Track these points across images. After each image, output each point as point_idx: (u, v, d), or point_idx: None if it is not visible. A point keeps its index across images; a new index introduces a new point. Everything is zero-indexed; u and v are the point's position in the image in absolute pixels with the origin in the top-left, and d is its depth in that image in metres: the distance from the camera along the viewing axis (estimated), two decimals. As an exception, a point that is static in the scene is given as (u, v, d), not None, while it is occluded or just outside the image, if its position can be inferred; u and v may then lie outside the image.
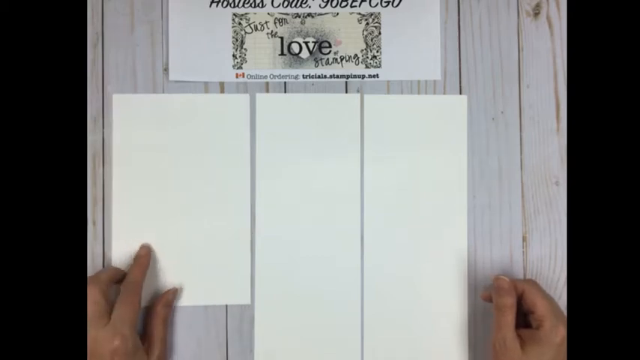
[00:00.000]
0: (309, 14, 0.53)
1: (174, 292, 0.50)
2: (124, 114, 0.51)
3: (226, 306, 0.51)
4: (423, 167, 0.52)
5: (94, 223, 0.51)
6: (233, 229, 0.51)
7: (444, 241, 0.51)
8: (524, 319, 0.47)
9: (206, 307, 0.51)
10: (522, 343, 0.44)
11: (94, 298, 0.44)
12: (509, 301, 0.45)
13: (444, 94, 0.52)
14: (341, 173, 0.51)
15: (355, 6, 0.52)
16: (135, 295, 0.46)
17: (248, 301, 0.51)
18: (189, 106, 0.52)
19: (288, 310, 0.51)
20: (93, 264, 0.51)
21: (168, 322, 0.49)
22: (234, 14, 0.52)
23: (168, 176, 0.51)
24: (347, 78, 0.52)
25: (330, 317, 0.51)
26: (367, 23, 0.53)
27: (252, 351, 0.50)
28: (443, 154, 0.52)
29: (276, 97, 0.52)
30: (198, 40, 0.52)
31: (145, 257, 0.49)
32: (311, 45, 0.53)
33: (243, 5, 0.52)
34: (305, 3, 0.53)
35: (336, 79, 0.52)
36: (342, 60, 0.53)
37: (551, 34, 0.53)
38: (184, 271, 0.51)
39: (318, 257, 0.51)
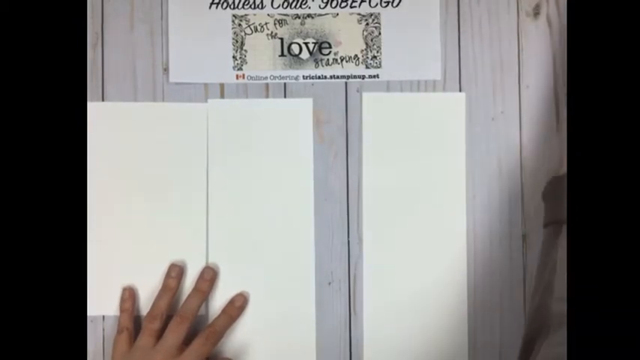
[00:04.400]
0: (308, 15, 0.53)
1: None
2: (98, 122, 0.51)
3: None
4: (422, 167, 0.52)
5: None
6: (190, 239, 0.51)
7: (444, 241, 0.51)
8: None
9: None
10: None
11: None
12: None
13: (444, 94, 0.52)
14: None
15: (355, 6, 0.53)
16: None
17: (202, 311, 0.49)
18: (152, 114, 0.52)
19: (249, 324, 0.50)
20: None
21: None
22: (233, 15, 0.53)
23: (135, 186, 0.51)
24: (347, 78, 0.52)
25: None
26: (367, 24, 0.53)
27: None
28: (442, 153, 0.52)
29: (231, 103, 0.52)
30: (198, 41, 0.52)
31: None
32: (311, 46, 0.53)
33: (242, 6, 0.53)
34: (305, 4, 0.53)
35: (336, 80, 0.52)
36: (342, 60, 0.53)
37: (551, 34, 0.53)
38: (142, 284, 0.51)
39: (277, 255, 0.51)
